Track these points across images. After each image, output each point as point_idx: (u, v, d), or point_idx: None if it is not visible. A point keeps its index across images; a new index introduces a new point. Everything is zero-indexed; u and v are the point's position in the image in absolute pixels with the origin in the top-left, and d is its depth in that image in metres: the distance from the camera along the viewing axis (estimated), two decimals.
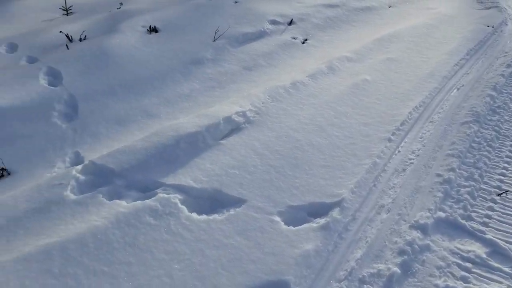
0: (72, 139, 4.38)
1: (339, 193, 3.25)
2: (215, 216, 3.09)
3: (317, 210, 3.15)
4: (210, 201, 3.29)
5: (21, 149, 4.24)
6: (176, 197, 3.23)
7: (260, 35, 6.37)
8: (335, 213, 3.06)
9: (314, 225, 2.99)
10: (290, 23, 6.71)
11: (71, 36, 6.32)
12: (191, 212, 3.12)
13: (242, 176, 3.45)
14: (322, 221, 3.02)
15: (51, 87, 5.05)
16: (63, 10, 7.84)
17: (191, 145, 3.74)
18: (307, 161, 3.63)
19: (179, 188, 3.34)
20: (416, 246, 2.84)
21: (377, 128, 4.07)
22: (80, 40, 6.28)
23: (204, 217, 3.08)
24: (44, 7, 8.10)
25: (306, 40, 6.29)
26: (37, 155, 4.17)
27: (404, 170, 3.57)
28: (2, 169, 3.89)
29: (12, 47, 6.28)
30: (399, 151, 3.77)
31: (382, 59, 5.51)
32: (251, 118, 4.15)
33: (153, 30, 6.42)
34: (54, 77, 5.27)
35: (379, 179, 3.46)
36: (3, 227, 3.05)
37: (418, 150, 3.81)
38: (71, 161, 4.08)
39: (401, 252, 2.80)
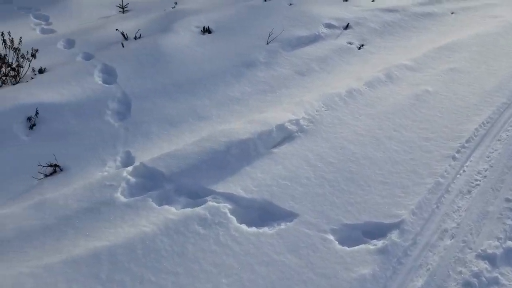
0: (124, 138, 4.39)
1: (398, 213, 3.04)
2: (265, 229, 2.97)
3: (374, 231, 2.95)
4: (260, 213, 3.17)
5: (74, 146, 4.29)
6: (225, 207, 3.13)
7: (314, 39, 6.19)
8: (394, 235, 2.86)
9: (371, 247, 2.80)
10: (346, 27, 6.49)
11: (126, 34, 6.39)
12: (241, 223, 3.01)
13: (294, 188, 3.31)
14: (379, 243, 2.82)
15: (106, 85, 5.11)
16: (120, 8, 7.97)
17: (243, 152, 3.64)
18: (363, 176, 3.44)
19: (228, 197, 3.24)
20: (484, 279, 2.60)
21: (440, 144, 3.81)
22: (135, 38, 6.34)
23: (253, 229, 2.96)
24: (101, 4, 8.27)
25: (362, 45, 6.06)
26: (89, 153, 4.20)
27: (469, 192, 3.30)
28: (55, 165, 3.93)
29: (70, 43, 6.44)
30: (464, 171, 3.51)
31: (445, 69, 5.20)
32: (304, 126, 4.00)
33: (206, 30, 6.39)
34: (109, 75, 5.33)
35: (442, 200, 3.22)
36: (54, 226, 3.06)
37: (485, 171, 3.53)
38: (122, 160, 4.08)
39: (467, 284, 2.57)
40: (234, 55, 5.74)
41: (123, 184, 3.42)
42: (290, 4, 7.29)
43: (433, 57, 5.52)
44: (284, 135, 3.88)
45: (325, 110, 4.26)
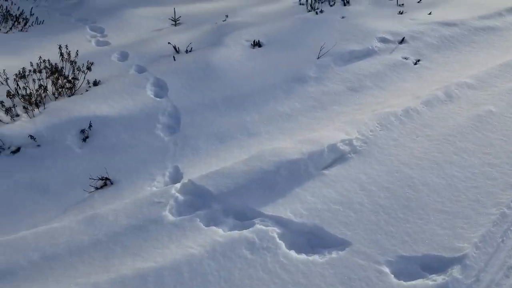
0: (172, 153, 4.39)
1: (460, 246, 2.81)
2: (315, 257, 2.83)
3: (433, 264, 2.75)
4: (310, 238, 3.04)
5: (125, 159, 4.34)
6: (274, 231, 3.02)
7: (368, 53, 6.00)
8: (456, 271, 2.64)
9: (430, 282, 2.60)
10: (401, 41, 6.25)
11: (178, 47, 6.46)
12: (289, 249, 2.89)
13: (346, 214, 3.15)
14: (439, 278, 2.62)
15: (157, 98, 5.16)
16: (172, 20, 8.10)
17: (292, 173, 3.52)
18: (422, 203, 3.23)
19: (277, 221, 3.13)
20: None
21: (505, 171, 3.53)
22: (187, 51, 6.40)
23: (303, 256, 2.83)
24: (155, 17, 8.44)
25: (418, 61, 5.80)
26: (139, 166, 4.23)
27: None
28: (106, 178, 3.98)
29: (124, 56, 6.58)
30: None
31: (509, 88, 4.87)
32: (357, 147, 3.83)
33: (256, 44, 6.35)
34: (160, 88, 5.38)
35: (508, 234, 2.96)
36: (103, 243, 3.07)
37: None
38: (171, 175, 4.07)
39: None
40: (284, 70, 5.65)
41: (172, 202, 3.39)
42: (343, 17, 7.13)
43: (496, 74, 5.18)
44: (336, 156, 3.73)
45: (380, 130, 4.07)
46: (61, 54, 5.30)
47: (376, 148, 3.83)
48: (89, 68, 5.31)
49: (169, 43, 6.55)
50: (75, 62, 5.34)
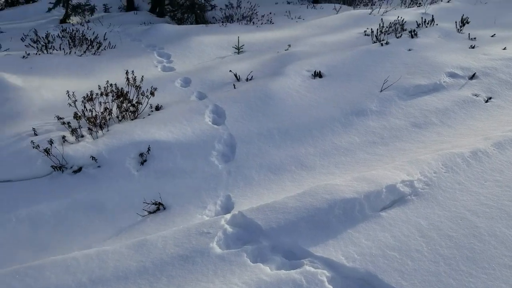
0: (225, 181, 4.37)
1: None
2: None
3: None
4: (362, 286, 2.84)
5: (179, 185, 4.37)
6: (323, 273, 2.86)
7: (435, 88, 5.73)
8: None
9: None
10: (472, 77, 5.91)
11: (238, 75, 6.54)
12: None
13: (403, 262, 2.93)
14: None
15: (215, 126, 5.20)
16: (235, 48, 8.25)
17: (346, 213, 3.35)
18: (488, 256, 2.93)
19: (327, 263, 2.97)
20: None
21: None
22: (247, 80, 6.45)
23: None
24: (219, 45, 8.65)
25: (490, 98, 5.45)
26: (192, 193, 4.24)
27: None
28: (159, 203, 4.02)
29: (187, 82, 6.75)
30: None
31: None
32: (419, 189, 3.59)
33: (317, 75, 6.28)
34: (219, 116, 5.43)
35: None
36: (149, 271, 3.05)
37: None
38: (222, 204, 4.04)
39: None
40: (344, 102, 5.51)
41: (220, 233, 3.33)
42: (410, 50, 6.90)
43: None
44: (395, 198, 3.52)
45: (444, 172, 3.80)
46: (127, 79, 5.51)
47: (439, 192, 3.57)
48: (152, 94, 5.48)
49: (230, 71, 6.65)
50: (140, 87, 5.53)
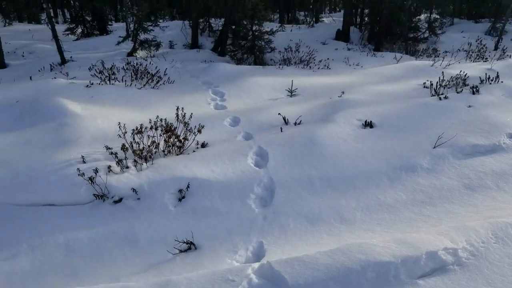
0: (260, 226, 4.26)
1: None
2: None
3: None
4: None
5: (213, 225, 4.32)
6: None
7: (493, 149, 5.38)
8: None
9: None
10: None
11: (287, 119, 6.51)
12: None
13: None
14: None
15: (256, 168, 5.15)
16: (288, 91, 8.28)
17: (380, 277, 3.12)
18: None
19: None
20: None
21: None
22: (295, 124, 6.41)
23: None
24: (273, 87, 8.73)
25: None
26: (225, 235, 4.17)
27: None
28: (191, 243, 3.97)
29: (236, 121, 6.81)
30: None
31: None
32: (463, 259, 3.30)
33: (368, 124, 6.12)
34: (262, 158, 5.39)
35: None
36: None
37: None
38: (254, 250, 3.93)
39: None
40: (393, 156, 5.30)
41: (245, 283, 3.20)
42: (469, 106, 6.59)
43: None
44: (435, 266, 3.25)
45: (494, 243, 3.48)
46: (177, 115, 5.64)
47: (485, 264, 3.26)
48: (199, 131, 5.56)
49: (279, 113, 6.64)
50: (188, 124, 5.63)
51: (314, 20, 23.47)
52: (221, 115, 7.14)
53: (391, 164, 5.14)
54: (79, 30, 18.55)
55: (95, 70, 9.56)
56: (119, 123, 5.30)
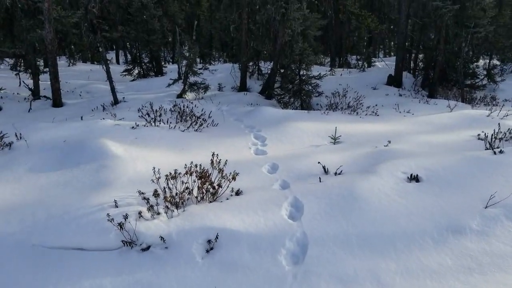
0: (289, 286, 3.99)
1: None
2: None
3: None
4: None
5: (240, 281, 4.10)
6: None
7: None
8: None
9: None
10: None
11: (327, 168, 6.27)
12: None
13: None
14: None
15: (289, 220, 4.92)
16: (332, 138, 8.05)
17: None
18: None
19: None
20: None
21: None
22: (336, 174, 6.15)
23: None
24: (316, 132, 8.54)
25: None
26: None
27: None
28: None
29: (274, 168, 6.65)
30: None
31: None
32: None
33: (413, 178, 5.74)
34: (297, 210, 5.15)
35: None
36: None
37: None
38: None
39: None
40: (440, 215, 4.89)
41: None
42: None
43: None
44: None
45: None
46: (212, 161, 5.57)
47: None
48: (234, 178, 5.44)
49: (319, 162, 6.42)
50: (223, 170, 5.53)
51: (366, 64, 23.29)
52: (260, 161, 7.01)
53: (437, 223, 4.74)
54: (136, 71, 19.45)
55: (143, 111, 9.82)
56: (154, 168, 5.28)
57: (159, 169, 5.32)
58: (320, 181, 5.87)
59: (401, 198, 5.27)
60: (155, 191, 4.92)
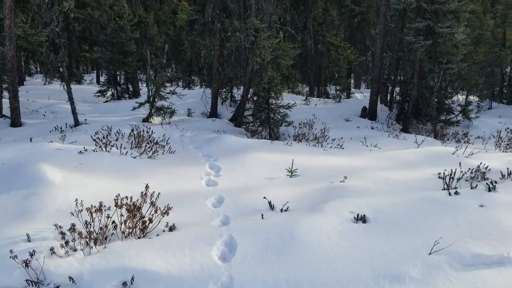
0: None
1: None
2: None
3: None
4: None
5: None
6: None
7: (500, 261, 4.55)
8: None
9: None
10: None
11: (273, 204, 5.96)
12: None
13: None
14: None
15: (219, 262, 4.55)
16: (288, 171, 7.76)
17: None
18: None
19: None
20: None
21: None
22: (281, 210, 5.83)
23: None
24: (275, 164, 8.26)
25: None
26: None
27: None
28: None
29: (219, 201, 6.32)
30: None
31: None
32: None
33: (360, 219, 5.45)
34: (230, 250, 4.80)
35: None
36: None
37: None
38: None
39: None
40: (380, 260, 4.56)
41: None
42: (481, 206, 5.78)
43: None
44: None
45: None
46: (144, 194, 5.21)
47: None
48: (166, 213, 5.08)
49: (264, 197, 6.09)
50: (155, 203, 5.16)
51: (344, 95, 23.29)
52: (208, 193, 6.66)
53: (375, 270, 4.40)
54: (109, 93, 19.12)
55: (99, 135, 9.44)
56: (76, 200, 4.90)
57: (82, 200, 4.94)
58: (263, 218, 5.53)
59: (343, 241, 4.95)
60: (73, 225, 4.52)
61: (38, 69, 28.30)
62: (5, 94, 12.94)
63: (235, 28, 12.31)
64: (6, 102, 13.19)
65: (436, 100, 15.73)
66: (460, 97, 21.99)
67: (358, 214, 5.51)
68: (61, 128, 10.76)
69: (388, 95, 20.69)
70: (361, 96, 23.89)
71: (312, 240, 4.91)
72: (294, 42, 19.94)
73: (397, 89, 19.48)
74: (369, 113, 17.20)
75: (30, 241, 4.54)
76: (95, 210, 4.78)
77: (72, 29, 26.77)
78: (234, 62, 13.33)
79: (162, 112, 12.37)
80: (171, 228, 5.18)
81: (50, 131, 10.80)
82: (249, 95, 13.52)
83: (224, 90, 15.76)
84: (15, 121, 11.63)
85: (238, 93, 16.17)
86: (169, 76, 12.08)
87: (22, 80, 22.74)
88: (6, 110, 12.95)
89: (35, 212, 5.32)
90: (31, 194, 5.75)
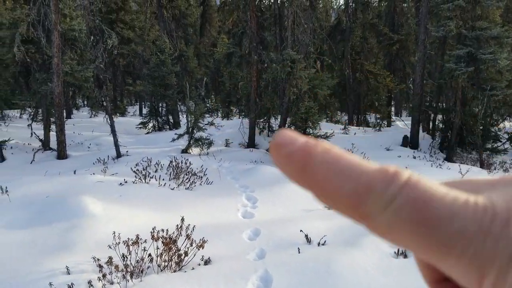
0: None
1: None
2: None
3: None
4: None
5: None
6: None
7: None
8: None
9: None
10: None
11: (310, 237, 5.82)
12: None
13: None
14: None
15: None
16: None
17: None
18: None
19: None
20: None
21: None
22: (318, 244, 5.69)
23: None
24: (309, 195, 8.10)
25: None
26: None
27: None
28: None
29: (256, 234, 6.25)
30: None
31: None
32: None
33: (401, 254, 5.23)
34: (265, 285, 4.69)
35: None
36: None
37: None
38: None
39: None
40: None
41: None
42: None
43: None
44: None
45: None
46: (179, 227, 5.23)
47: None
48: (202, 246, 5.07)
49: (301, 230, 5.98)
50: (190, 236, 5.17)
51: (384, 123, 22.92)
52: (244, 225, 6.61)
53: None
54: (151, 124, 19.69)
55: (139, 166, 9.66)
56: (114, 232, 4.98)
57: (119, 233, 5.01)
58: (299, 252, 5.41)
59: (383, 277, 4.76)
60: (110, 258, 4.58)
61: (85, 102, 29.60)
62: (53, 127, 13.55)
63: (271, 59, 12.48)
64: (53, 135, 13.82)
65: (481, 127, 15.19)
66: (507, 124, 21.12)
67: (398, 249, 5.29)
68: (103, 160, 11.12)
69: (430, 123, 20.17)
70: (402, 124, 23.44)
71: (350, 275, 4.74)
72: (332, 71, 19.97)
73: (440, 116, 18.99)
74: (410, 142, 16.79)
75: (69, 274, 4.63)
76: (132, 243, 4.83)
77: (117, 64, 28.05)
78: (271, 93, 13.44)
79: (200, 143, 12.57)
80: (206, 262, 5.15)
81: (94, 163, 11.17)
82: (286, 125, 13.53)
83: (262, 120, 15.88)
84: (61, 154, 12.14)
85: (275, 123, 16.24)
86: (208, 107, 12.33)
87: (70, 113, 23.85)
88: (53, 143, 13.55)
89: (75, 244, 5.45)
90: (72, 226, 5.91)
